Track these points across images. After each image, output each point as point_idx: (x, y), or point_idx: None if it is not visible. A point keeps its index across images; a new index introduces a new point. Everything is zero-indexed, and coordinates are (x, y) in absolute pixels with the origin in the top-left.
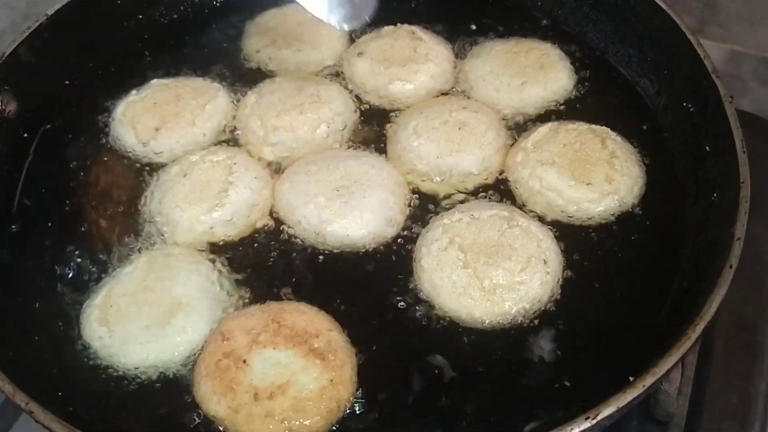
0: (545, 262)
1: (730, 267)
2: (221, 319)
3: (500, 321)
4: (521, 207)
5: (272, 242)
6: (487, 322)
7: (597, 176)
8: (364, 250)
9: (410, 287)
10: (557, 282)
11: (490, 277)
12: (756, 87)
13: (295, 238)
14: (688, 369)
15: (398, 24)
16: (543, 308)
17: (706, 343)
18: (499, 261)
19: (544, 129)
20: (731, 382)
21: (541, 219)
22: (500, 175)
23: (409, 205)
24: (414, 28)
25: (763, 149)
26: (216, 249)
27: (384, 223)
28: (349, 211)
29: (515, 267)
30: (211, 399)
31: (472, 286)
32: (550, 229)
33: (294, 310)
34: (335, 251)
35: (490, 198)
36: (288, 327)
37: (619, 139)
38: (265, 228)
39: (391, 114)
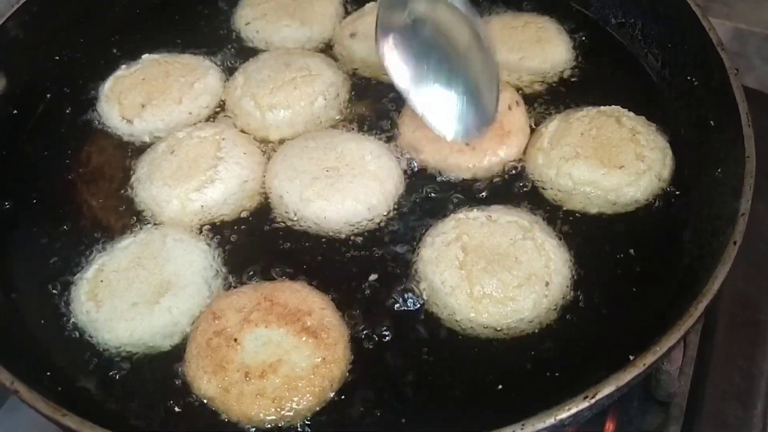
0: (546, 285)
1: (734, 243)
2: (213, 297)
3: (480, 331)
4: (558, 210)
5: (266, 221)
6: (466, 327)
7: (627, 157)
8: (360, 234)
9: (407, 272)
10: (554, 308)
11: (482, 285)
12: (760, 64)
13: (275, 212)
14: (690, 348)
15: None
16: (531, 330)
17: (709, 322)
18: (497, 270)
19: (554, 123)
20: (734, 362)
21: (585, 216)
22: (531, 181)
23: (398, 199)
24: None
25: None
26: (209, 228)
27: (364, 211)
28: (331, 194)
29: (512, 281)
30: (202, 378)
31: (460, 288)
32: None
33: (287, 289)
34: (336, 234)
35: (522, 203)
36: (280, 305)
37: (632, 114)
38: (259, 206)
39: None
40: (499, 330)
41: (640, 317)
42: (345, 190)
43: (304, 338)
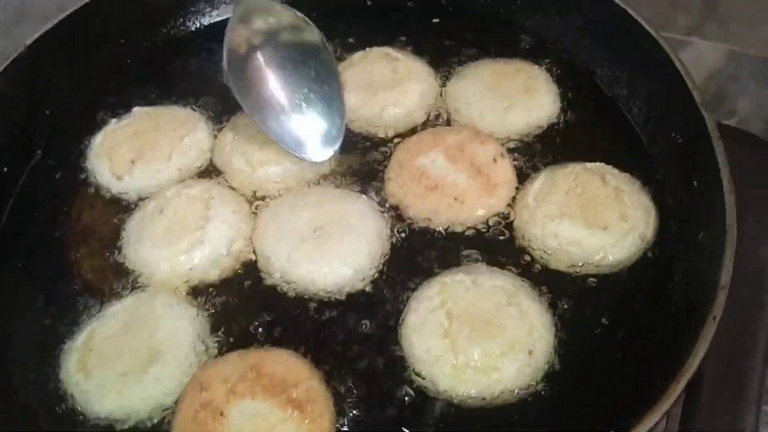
0: (530, 353)
1: (714, 319)
2: (201, 366)
3: (462, 399)
4: (544, 269)
5: (254, 282)
6: (450, 396)
7: (611, 216)
8: (347, 297)
9: (394, 337)
10: (538, 376)
11: (466, 354)
12: (755, 88)
13: (262, 273)
14: (675, 405)
15: (367, 48)
16: (514, 400)
17: (694, 376)
18: (481, 338)
19: (539, 180)
20: (720, 417)
21: (569, 276)
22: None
23: (385, 259)
24: (386, 49)
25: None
26: (197, 291)
27: (351, 273)
28: (318, 256)
29: (495, 349)
30: None
31: (445, 358)
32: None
33: (274, 357)
34: (323, 297)
35: (508, 260)
36: (267, 376)
37: (616, 171)
38: (248, 265)
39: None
40: (483, 399)
41: (622, 387)
42: (332, 251)
43: (290, 411)
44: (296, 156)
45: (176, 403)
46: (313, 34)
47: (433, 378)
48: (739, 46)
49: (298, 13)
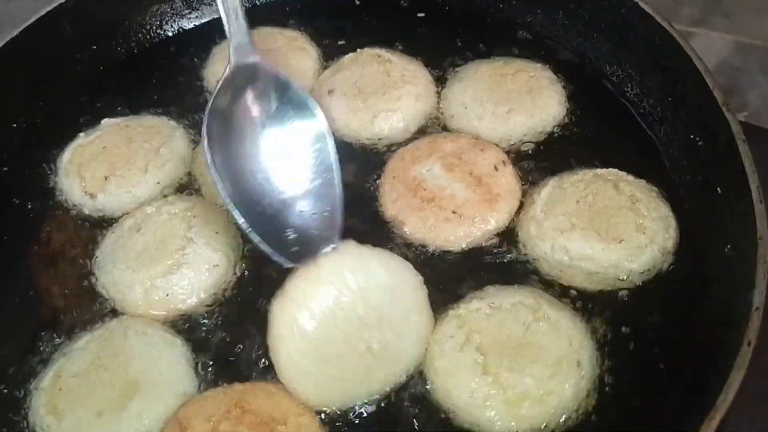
0: (578, 364)
1: (749, 344)
2: (182, 402)
3: None
4: (553, 285)
5: (237, 311)
6: None
7: (626, 228)
8: None
9: (422, 390)
10: (593, 386)
11: (514, 386)
12: (763, 80)
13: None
14: None
15: (358, 50)
16: (575, 417)
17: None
18: (524, 365)
19: (547, 189)
20: None
21: (581, 293)
22: (523, 253)
23: None
24: (378, 50)
25: None
26: (176, 318)
27: None
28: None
29: (544, 373)
30: None
31: (494, 397)
32: (588, 310)
33: (260, 392)
34: None
35: (516, 277)
36: (252, 413)
37: (631, 178)
38: (230, 291)
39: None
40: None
41: (648, 417)
42: None
43: None
44: (277, 259)
45: None
46: (315, 118)
47: (483, 422)
48: (745, 37)
49: (300, 90)
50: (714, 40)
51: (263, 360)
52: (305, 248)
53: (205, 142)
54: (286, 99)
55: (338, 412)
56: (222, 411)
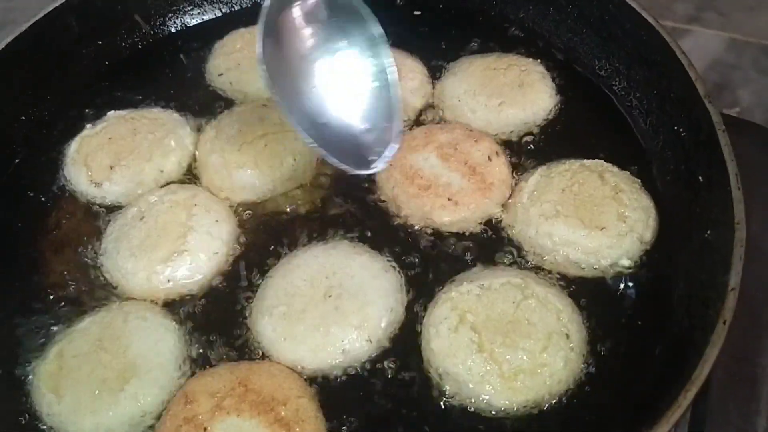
0: (567, 337)
1: (724, 323)
2: (188, 378)
3: (521, 408)
4: (538, 269)
5: (237, 296)
6: (509, 411)
7: (609, 217)
8: None
9: (418, 370)
10: (582, 358)
11: (509, 361)
12: (757, 76)
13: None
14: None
15: None
16: (568, 389)
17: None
18: (517, 340)
19: (534, 177)
20: (729, 420)
21: (563, 278)
22: (509, 238)
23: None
24: None
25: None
26: (176, 303)
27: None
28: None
29: (536, 347)
30: None
31: (490, 372)
32: (574, 292)
33: (264, 372)
34: None
35: (502, 260)
36: (255, 392)
37: (616, 169)
38: (229, 276)
39: None
40: (539, 403)
41: (631, 390)
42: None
43: (277, 430)
44: (342, 166)
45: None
46: (367, 23)
47: (481, 397)
48: (739, 34)
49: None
50: (708, 37)
51: (251, 350)
52: (365, 158)
53: (262, 65)
54: (336, 6)
55: (336, 392)
56: (226, 388)
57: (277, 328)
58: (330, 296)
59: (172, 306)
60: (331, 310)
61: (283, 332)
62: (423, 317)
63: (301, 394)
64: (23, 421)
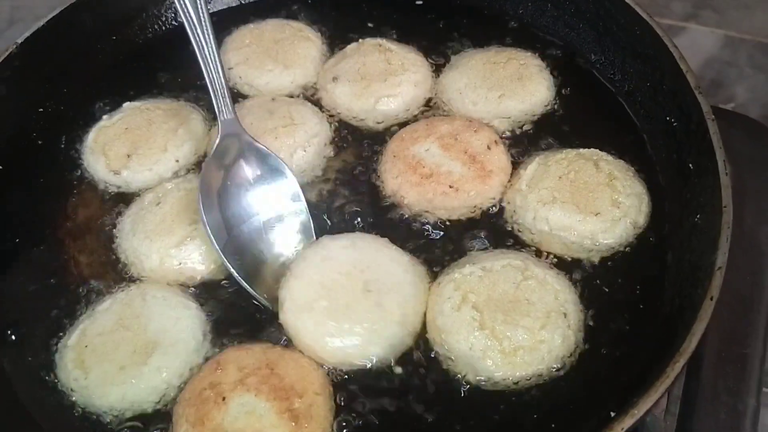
0: (565, 316)
1: (711, 299)
2: (197, 358)
3: (521, 382)
4: (536, 252)
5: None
6: (508, 384)
7: (603, 203)
8: None
9: (423, 347)
10: (579, 335)
11: (509, 338)
12: (752, 73)
13: None
14: (676, 387)
15: (360, 40)
16: (564, 364)
17: (694, 358)
18: (517, 318)
19: (532, 165)
20: (719, 399)
21: (561, 261)
22: (510, 223)
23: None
24: (379, 40)
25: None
26: (188, 285)
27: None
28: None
29: (535, 324)
30: (182, 425)
31: (491, 348)
32: (572, 273)
33: (293, 361)
34: None
35: (503, 244)
36: (278, 377)
37: (610, 158)
38: None
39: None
40: (540, 376)
41: (623, 366)
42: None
43: (286, 419)
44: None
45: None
46: (288, 178)
47: (484, 372)
48: (735, 32)
49: (276, 157)
50: (704, 35)
51: (266, 329)
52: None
53: (200, 201)
54: (266, 165)
55: (345, 374)
56: (254, 366)
57: (320, 322)
58: (369, 291)
59: (185, 287)
60: (373, 306)
61: (328, 328)
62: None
63: (319, 391)
64: (52, 392)
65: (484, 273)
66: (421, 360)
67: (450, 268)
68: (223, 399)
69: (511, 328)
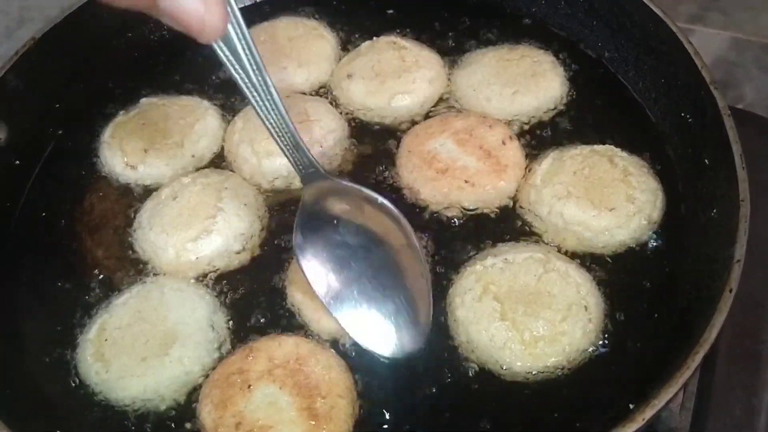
0: (586, 309)
1: (730, 291)
2: (216, 348)
3: (540, 374)
4: (551, 246)
5: (260, 276)
6: (528, 376)
7: (618, 198)
8: None
9: (443, 338)
10: (599, 328)
11: (530, 329)
12: (759, 74)
13: None
14: (691, 383)
15: (374, 38)
16: (587, 358)
17: (709, 354)
18: (538, 310)
19: (547, 161)
20: (734, 394)
21: (574, 256)
22: (524, 218)
23: None
24: (393, 37)
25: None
26: (210, 277)
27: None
28: None
29: (555, 316)
30: (206, 405)
31: (512, 339)
32: (588, 268)
33: (322, 359)
34: None
35: (519, 238)
36: (305, 373)
37: (625, 154)
38: (255, 259)
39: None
40: (562, 368)
41: (642, 358)
42: None
43: (305, 416)
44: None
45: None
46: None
47: (502, 362)
48: (741, 33)
49: (381, 198)
50: (711, 36)
51: (284, 320)
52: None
53: (300, 260)
54: (371, 210)
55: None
56: (284, 359)
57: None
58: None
59: (205, 281)
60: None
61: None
62: (449, 290)
63: (343, 394)
64: (73, 386)
65: (505, 265)
66: (441, 353)
67: (471, 260)
68: (249, 387)
69: (532, 320)
